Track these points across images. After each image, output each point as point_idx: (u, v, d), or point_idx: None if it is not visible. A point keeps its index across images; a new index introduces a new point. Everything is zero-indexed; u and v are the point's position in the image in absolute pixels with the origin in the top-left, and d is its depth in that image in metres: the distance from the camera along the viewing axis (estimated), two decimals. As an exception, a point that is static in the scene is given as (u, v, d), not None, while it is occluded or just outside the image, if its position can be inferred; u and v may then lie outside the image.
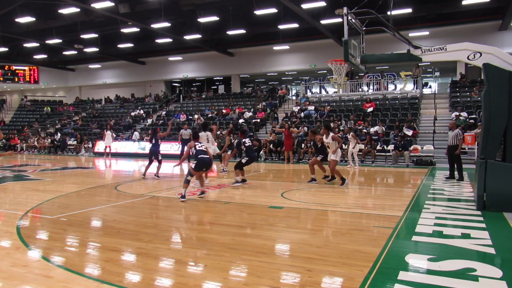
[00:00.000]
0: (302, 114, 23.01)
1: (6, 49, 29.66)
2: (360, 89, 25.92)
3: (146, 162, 13.27)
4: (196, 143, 8.82)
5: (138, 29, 24.64)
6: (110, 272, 4.30)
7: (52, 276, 4.19)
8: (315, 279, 4.07)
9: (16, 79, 36.20)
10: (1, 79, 35.66)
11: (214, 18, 22.24)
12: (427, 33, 23.48)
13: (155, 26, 22.96)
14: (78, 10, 21.28)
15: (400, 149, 16.78)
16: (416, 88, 23.86)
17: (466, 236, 5.58)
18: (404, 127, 18.58)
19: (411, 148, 17.28)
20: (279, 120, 23.80)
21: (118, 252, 5.07)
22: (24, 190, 10.48)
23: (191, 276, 4.26)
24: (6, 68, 35.47)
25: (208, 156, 8.67)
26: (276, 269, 4.37)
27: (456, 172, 11.67)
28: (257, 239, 5.66)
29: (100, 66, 36.13)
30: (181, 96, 33.45)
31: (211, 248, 5.13)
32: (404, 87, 25.36)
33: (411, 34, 21.27)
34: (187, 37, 25.59)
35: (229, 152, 14.72)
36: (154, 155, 12.83)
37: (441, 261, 4.52)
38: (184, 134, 19.12)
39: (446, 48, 8.12)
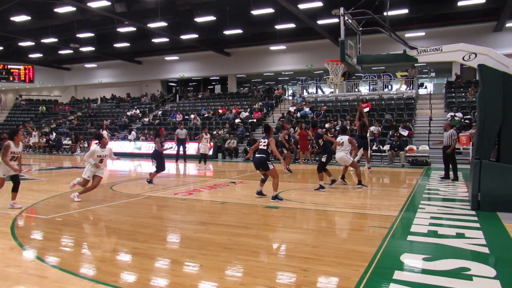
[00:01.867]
0: (298, 114, 23.03)
1: (1, 48, 29.56)
2: (356, 89, 26.00)
3: (142, 162, 13.22)
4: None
5: (135, 29, 24.58)
6: (105, 272, 4.29)
7: (47, 276, 4.17)
8: (311, 278, 4.08)
9: (11, 78, 36.01)
10: (-4, 78, 35.48)
11: (211, 18, 22.23)
12: (423, 33, 23.59)
13: (152, 25, 22.91)
14: (74, 9, 21.21)
15: (396, 149, 16.84)
16: (412, 89, 23.96)
17: (460, 236, 5.61)
18: (399, 127, 18.64)
19: (407, 148, 17.34)
20: (275, 120, 23.80)
21: (113, 252, 5.06)
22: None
23: (187, 276, 4.26)
24: (1, 67, 35.27)
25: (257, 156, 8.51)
26: (272, 269, 4.37)
27: (451, 172, 11.71)
28: (253, 239, 5.66)
29: (96, 65, 36.01)
30: (177, 95, 33.40)
31: (207, 248, 5.12)
32: (400, 87, 25.45)
33: (407, 35, 21.36)
34: (184, 37, 25.56)
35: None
36: (153, 157, 11.50)
37: (436, 260, 4.55)
38: (180, 134, 19.07)
39: (441, 49, 8.16)
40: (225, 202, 8.33)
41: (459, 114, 18.96)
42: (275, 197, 8.31)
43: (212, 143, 19.54)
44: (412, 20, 22.42)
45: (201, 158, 16.71)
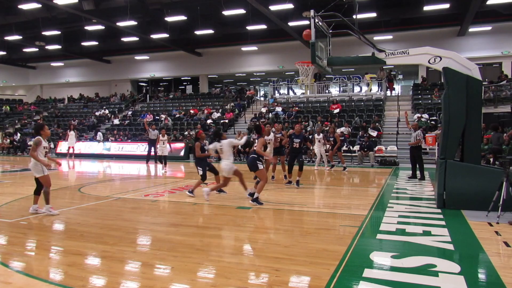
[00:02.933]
0: (270, 115, 23.15)
1: (-39, 45, 28.21)
2: (326, 91, 26.39)
3: (112, 163, 12.93)
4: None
5: (103, 27, 24.02)
6: (73, 277, 4.17)
7: (11, 282, 4.02)
8: (282, 278, 4.11)
9: (-27, 77, 34.47)
10: (-45, 76, 33.84)
11: (182, 18, 22.03)
12: (390, 37, 24.23)
13: (121, 24, 22.47)
14: (39, 5, 20.53)
15: (366, 149, 17.20)
16: (381, 91, 24.55)
17: (427, 234, 5.79)
18: (369, 128, 19.05)
19: (376, 148, 17.75)
20: (247, 121, 23.83)
21: (81, 255, 4.92)
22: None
23: (158, 278, 4.20)
24: (-40, 65, 33.67)
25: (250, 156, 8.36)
26: (244, 270, 4.38)
27: (418, 172, 12.07)
28: (225, 240, 5.65)
29: (63, 64, 34.98)
30: (148, 96, 32.89)
31: (178, 250, 5.07)
32: (369, 89, 26.03)
33: (375, 38, 21.87)
34: (154, 36, 25.21)
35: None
36: (197, 165, 9.66)
37: (404, 258, 4.68)
38: (152, 134, 18.80)
39: (408, 52, 8.39)
40: (196, 203, 8.27)
41: (426, 115, 19.57)
42: (255, 200, 7.98)
43: (184, 144, 19.37)
44: (380, 24, 22.98)
45: (158, 159, 16.45)
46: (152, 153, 18.70)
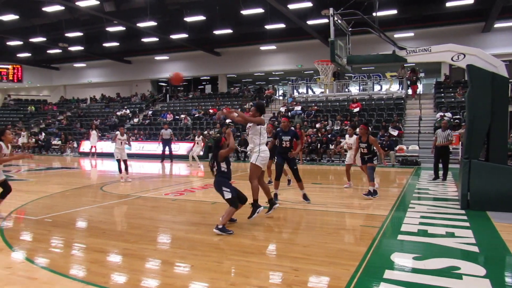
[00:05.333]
0: (289, 114, 23.07)
1: (-12, 47, 29.11)
2: (346, 90, 26.14)
3: (132, 162, 13.10)
4: None
5: (124, 28, 24.40)
6: (96, 273, 4.26)
7: (37, 278, 4.13)
8: (301, 278, 4.09)
9: (0, 78, 35.51)
10: (-17, 77, 34.97)
11: (201, 18, 22.17)
12: (411, 34, 23.81)
13: (141, 25, 22.77)
14: (62, 8, 20.99)
15: (386, 149, 16.96)
16: (402, 89, 24.16)
17: (450, 235, 5.67)
18: (390, 127, 18.78)
19: (397, 148, 17.49)
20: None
21: (103, 253, 5.02)
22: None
23: (178, 276, 4.24)
24: (-11, 67, 34.79)
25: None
26: (263, 269, 4.38)
27: (441, 172, 11.70)
28: (244, 239, 5.66)
29: (85, 65, 35.68)
30: (167, 95, 33.24)
31: (198, 249, 5.11)
32: (390, 87, 25.66)
33: (396, 35, 21.55)
34: (174, 36, 25.45)
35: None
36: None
37: (426, 259, 4.59)
38: (164, 134, 19.11)
39: (430, 49, 8.23)
40: (216, 202, 8.31)
41: (449, 114, 19.15)
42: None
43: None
44: (401, 21, 22.62)
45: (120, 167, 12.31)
46: (167, 152, 19.08)
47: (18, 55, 32.19)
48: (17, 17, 22.21)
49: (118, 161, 11.99)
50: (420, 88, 26.09)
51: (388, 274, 4.15)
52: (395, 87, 25.24)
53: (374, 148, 9.11)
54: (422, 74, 30.11)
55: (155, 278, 4.24)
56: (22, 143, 27.42)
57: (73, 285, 3.93)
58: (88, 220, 7.04)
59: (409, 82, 23.50)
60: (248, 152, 7.98)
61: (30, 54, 31.93)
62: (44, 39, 26.47)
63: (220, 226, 5.83)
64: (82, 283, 3.98)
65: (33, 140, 27.57)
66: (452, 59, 7.96)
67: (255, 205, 6.46)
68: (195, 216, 7.32)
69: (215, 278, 4.12)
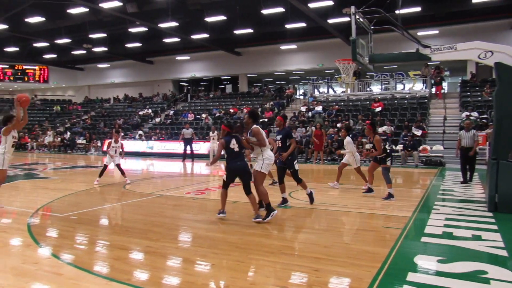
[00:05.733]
0: (309, 114, 22.95)
1: (17, 49, 30.02)
2: (368, 89, 25.80)
3: (154, 161, 13.25)
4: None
5: (146, 29, 24.77)
6: (119, 270, 4.33)
7: (62, 274, 4.22)
8: (322, 279, 4.06)
9: (26, 79, 36.63)
10: (12, 78, 36.11)
11: (221, 18, 22.27)
12: (436, 32, 23.31)
13: (163, 25, 23.06)
14: (86, 10, 21.46)
15: (409, 149, 16.67)
16: (426, 88, 23.68)
17: (477, 238, 5.52)
18: (413, 127, 18.44)
19: (420, 148, 17.15)
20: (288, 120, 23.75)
21: (126, 250, 5.09)
22: (35, 188, 10.59)
23: (199, 275, 4.27)
24: (16, 68, 35.88)
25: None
26: (284, 269, 4.36)
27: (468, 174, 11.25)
28: (265, 238, 5.65)
29: (108, 65, 36.38)
30: (188, 95, 33.56)
31: (218, 247, 5.13)
32: (413, 86, 25.19)
33: (420, 33, 21.11)
34: (195, 37, 25.67)
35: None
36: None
37: (451, 262, 4.48)
38: (186, 133, 19.30)
39: (456, 47, 8.04)
40: (236, 202, 8.33)
41: (475, 114, 18.66)
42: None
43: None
44: (425, 18, 22.16)
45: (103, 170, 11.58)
46: (188, 151, 19.28)
47: (44, 56, 33.12)
48: (43, 19, 22.82)
49: (105, 166, 11.31)
50: (445, 87, 25.52)
51: (411, 276, 4.07)
52: (418, 86, 24.75)
53: (387, 147, 8.83)
54: (447, 73, 29.45)
55: (177, 276, 4.28)
56: (48, 142, 28.19)
57: (97, 282, 4.00)
58: (111, 217, 7.18)
59: (433, 82, 23.00)
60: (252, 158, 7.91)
61: (55, 55, 32.78)
62: (69, 40, 27.12)
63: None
64: (106, 279, 4.05)
65: (59, 139, 28.29)
66: (479, 56, 7.75)
67: (270, 209, 6.49)
68: (216, 215, 7.36)
69: (236, 277, 4.13)
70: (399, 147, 17.42)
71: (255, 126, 6.73)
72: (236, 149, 6.59)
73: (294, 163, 7.64)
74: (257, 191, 6.63)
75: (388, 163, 8.72)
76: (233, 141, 6.60)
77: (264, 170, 6.62)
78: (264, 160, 6.60)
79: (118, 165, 11.45)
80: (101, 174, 11.25)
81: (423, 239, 5.50)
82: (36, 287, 3.93)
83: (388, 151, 8.80)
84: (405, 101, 22.81)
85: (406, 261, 4.61)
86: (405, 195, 9.60)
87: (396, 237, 5.52)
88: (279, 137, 7.79)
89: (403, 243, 5.29)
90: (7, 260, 4.70)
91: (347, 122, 20.78)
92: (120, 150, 11.63)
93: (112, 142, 11.51)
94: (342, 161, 10.65)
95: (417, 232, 5.91)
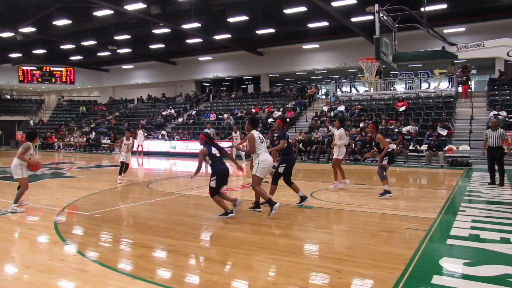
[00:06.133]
0: (332, 113, 22.76)
1: (44, 51, 30.85)
2: (391, 88, 25.38)
3: (177, 161, 13.40)
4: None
5: (169, 30, 25.05)
6: (142, 268, 4.40)
7: (88, 271, 4.32)
8: (344, 280, 4.02)
9: (54, 80, 37.67)
10: (40, 80, 37.21)
11: (244, 18, 22.32)
12: (463, 29, 22.72)
13: (186, 26, 23.29)
14: (111, 12, 21.87)
15: (434, 149, 16.31)
16: (452, 87, 23.11)
17: (505, 241, 5.35)
18: (438, 127, 18.04)
19: (446, 148, 16.76)
20: (308, 120, 23.62)
21: (150, 248, 5.17)
22: (61, 187, 10.88)
23: (221, 274, 4.29)
24: (44, 70, 36.97)
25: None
26: (305, 269, 4.34)
27: (497, 176, 10.79)
28: (286, 238, 5.64)
29: (132, 66, 37.01)
30: (211, 95, 33.80)
31: (240, 247, 5.15)
32: (439, 85, 24.63)
33: (446, 31, 20.59)
34: (217, 37, 25.81)
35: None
36: None
37: (478, 266, 4.36)
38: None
39: (484, 45, 7.83)
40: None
41: (503, 113, 18.09)
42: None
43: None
44: (451, 15, 21.63)
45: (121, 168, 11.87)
46: None
47: (70, 58, 33.95)
48: (70, 22, 23.38)
49: (122, 163, 11.69)
50: (472, 86, 24.86)
51: (436, 279, 3.98)
52: (444, 85, 24.17)
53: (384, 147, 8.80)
54: (474, 71, 28.68)
55: (199, 274, 4.31)
56: (74, 142, 28.91)
57: (121, 279, 4.08)
58: (135, 216, 7.30)
59: (459, 80, 22.42)
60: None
61: (81, 57, 33.56)
62: (95, 42, 27.73)
63: None
64: (130, 277, 4.12)
65: (84, 139, 28.98)
66: (508, 54, 7.52)
67: (271, 203, 6.79)
68: (237, 214, 7.38)
69: (257, 277, 4.14)
70: (424, 147, 17.07)
71: (251, 132, 7.02)
72: (218, 154, 6.95)
73: (281, 165, 7.64)
74: (255, 192, 7.19)
75: (385, 162, 8.76)
76: (213, 148, 6.94)
77: (259, 173, 6.93)
78: (259, 164, 6.91)
79: (127, 164, 11.80)
80: (121, 172, 11.62)
81: (449, 241, 5.37)
82: (63, 284, 4.04)
83: (389, 150, 8.88)
84: (430, 100, 22.33)
85: (431, 263, 4.52)
86: (430, 196, 9.40)
87: (421, 239, 5.41)
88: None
89: (428, 245, 5.18)
90: (35, 256, 4.85)
91: (374, 120, 20.53)
92: (132, 147, 12.03)
93: (124, 139, 11.84)
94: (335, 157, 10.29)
95: (443, 234, 5.78)
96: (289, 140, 7.77)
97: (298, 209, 7.63)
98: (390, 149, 8.95)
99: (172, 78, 35.73)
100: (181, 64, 34.84)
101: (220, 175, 6.86)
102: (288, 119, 21.50)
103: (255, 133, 7.01)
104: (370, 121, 9.72)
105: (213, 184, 6.82)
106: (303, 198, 7.91)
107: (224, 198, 7.03)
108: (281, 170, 7.62)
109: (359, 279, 4.07)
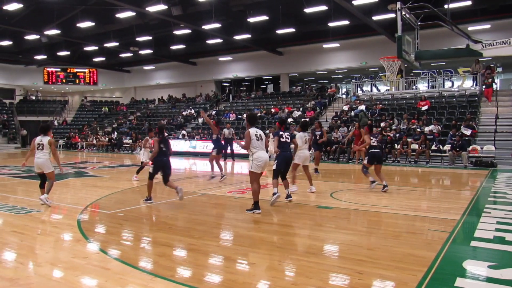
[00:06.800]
0: (352, 113, 22.52)
1: (68, 52, 31.59)
2: (414, 87, 24.94)
3: (197, 160, 13.50)
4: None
5: (190, 31, 25.29)
6: (163, 267, 4.45)
7: (110, 268, 4.40)
8: (365, 281, 3.97)
9: (77, 81, 38.57)
10: (64, 81, 38.16)
11: (264, 18, 22.31)
12: (488, 26, 22.13)
13: (206, 27, 23.45)
14: (133, 14, 22.22)
15: (458, 149, 15.95)
16: (476, 85, 22.55)
17: (532, 243, 5.20)
18: (462, 126, 17.63)
19: (470, 148, 16.37)
20: (328, 119, 23.45)
21: (170, 247, 5.23)
22: (84, 186, 11.12)
23: (240, 273, 4.30)
24: (68, 71, 37.90)
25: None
26: (325, 270, 4.31)
27: None
28: (306, 239, 5.61)
29: (153, 67, 37.49)
30: (230, 95, 33.93)
31: (259, 247, 5.15)
32: (462, 84, 24.08)
33: (470, 28, 20.12)
34: (237, 37, 25.89)
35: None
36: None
37: (503, 268, 4.25)
38: (226, 133, 19.48)
39: (510, 42, 7.61)
40: (276, 201, 8.32)
41: (530, 112, 17.57)
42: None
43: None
44: (475, 12, 21.11)
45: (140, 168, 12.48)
46: (229, 151, 19.47)
47: (93, 59, 34.65)
48: (93, 24, 23.88)
49: (143, 163, 12.23)
50: (496, 84, 24.20)
51: (459, 282, 3.89)
52: (468, 84, 23.61)
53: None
54: (499, 69, 27.91)
55: (219, 273, 4.34)
56: (97, 142, 29.50)
57: (142, 277, 4.14)
58: (155, 215, 7.40)
59: (484, 81, 21.83)
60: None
61: (104, 58, 34.21)
62: (117, 44, 28.22)
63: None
64: (150, 275, 4.18)
65: (106, 139, 29.52)
66: (535, 51, 7.29)
67: (256, 206, 7.15)
68: (257, 214, 7.39)
69: (277, 277, 4.13)
70: (447, 147, 16.71)
71: (248, 130, 7.25)
72: (164, 148, 8.19)
73: (274, 161, 8.02)
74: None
75: (365, 161, 9.56)
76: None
77: (254, 169, 7.12)
78: (253, 161, 7.13)
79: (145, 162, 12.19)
80: (139, 171, 12.23)
81: (473, 243, 5.25)
82: (86, 281, 4.12)
83: (370, 151, 9.49)
84: (454, 99, 21.85)
85: (455, 266, 4.42)
86: (453, 197, 9.20)
87: (444, 241, 5.31)
88: None
89: (451, 247, 5.07)
90: (58, 254, 4.97)
91: (391, 121, 20.23)
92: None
93: (148, 139, 12.10)
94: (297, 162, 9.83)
95: (466, 236, 5.65)
96: (281, 139, 8.00)
97: (317, 210, 7.59)
98: (372, 150, 9.48)
99: (192, 78, 36.03)
100: (201, 64, 35.10)
101: (157, 166, 8.24)
102: (308, 120, 21.40)
103: (252, 130, 7.20)
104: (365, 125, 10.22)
105: (151, 170, 8.24)
106: (288, 196, 8.25)
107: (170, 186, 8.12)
108: (274, 166, 8.02)
109: (380, 281, 4.02)
